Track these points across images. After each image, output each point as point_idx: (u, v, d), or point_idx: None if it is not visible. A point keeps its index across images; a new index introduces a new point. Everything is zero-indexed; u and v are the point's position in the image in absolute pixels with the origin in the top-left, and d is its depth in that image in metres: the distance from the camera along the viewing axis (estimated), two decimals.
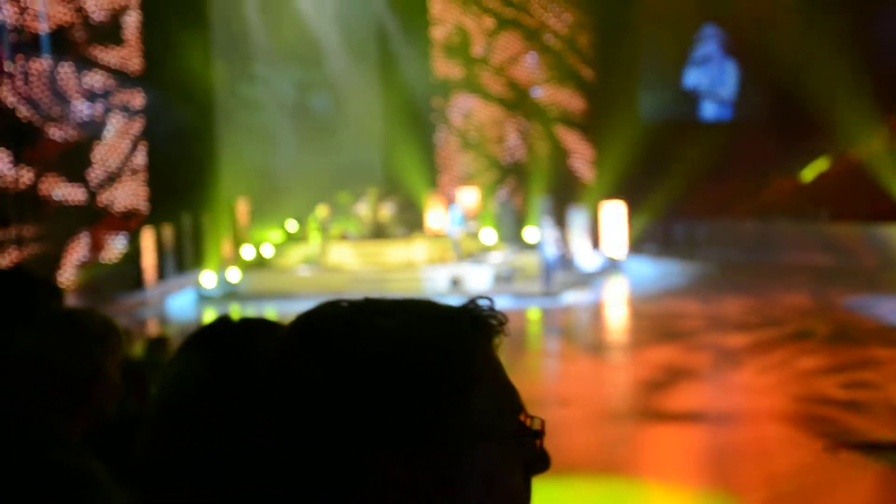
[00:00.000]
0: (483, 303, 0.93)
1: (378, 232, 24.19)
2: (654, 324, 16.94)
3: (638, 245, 28.82)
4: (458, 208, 23.72)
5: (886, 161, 25.98)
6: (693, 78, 33.17)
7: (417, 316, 0.89)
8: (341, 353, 0.86)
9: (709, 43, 32.55)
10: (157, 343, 7.96)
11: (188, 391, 1.22)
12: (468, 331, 0.89)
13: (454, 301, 0.97)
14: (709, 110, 33.25)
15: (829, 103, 26.49)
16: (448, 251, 23.84)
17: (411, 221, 25.26)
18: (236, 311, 17.91)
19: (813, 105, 26.80)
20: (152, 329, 17.87)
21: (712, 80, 32.92)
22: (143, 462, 1.25)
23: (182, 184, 23.91)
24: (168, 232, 23.29)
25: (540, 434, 0.90)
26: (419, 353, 0.86)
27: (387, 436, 0.84)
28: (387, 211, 24.32)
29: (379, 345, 0.86)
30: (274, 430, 0.87)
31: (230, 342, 1.25)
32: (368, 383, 0.85)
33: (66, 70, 22.58)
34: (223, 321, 1.32)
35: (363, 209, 24.54)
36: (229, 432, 1.09)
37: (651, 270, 25.91)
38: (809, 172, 30.59)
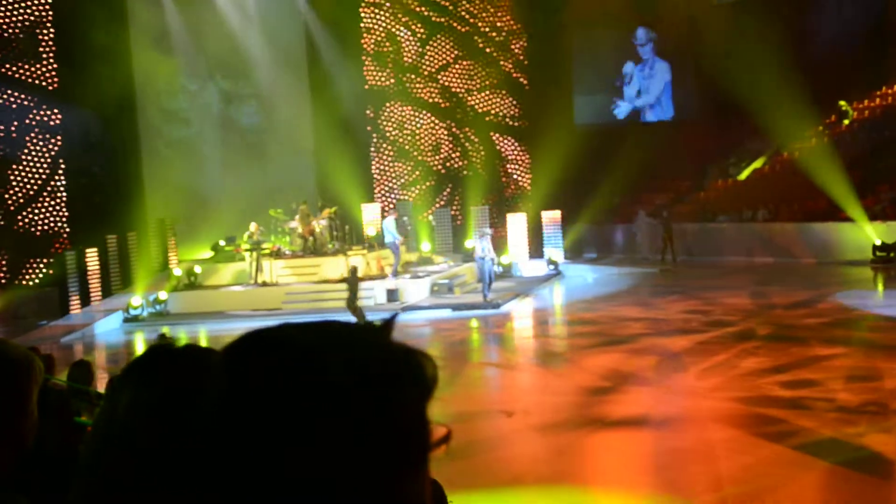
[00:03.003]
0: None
1: (313, 247, 24.02)
2: (595, 330, 17.06)
3: (577, 251, 29.08)
4: (393, 220, 23.62)
5: (820, 160, 26.58)
6: (627, 79, 33.58)
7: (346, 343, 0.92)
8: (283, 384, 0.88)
9: (644, 45, 33.01)
10: (80, 368, 7.67)
11: (138, 423, 1.19)
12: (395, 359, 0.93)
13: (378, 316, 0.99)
14: (648, 113, 33.65)
15: (764, 104, 27.04)
16: (385, 264, 23.76)
17: (346, 235, 25.14)
18: (167, 334, 17.62)
19: (748, 105, 27.34)
20: (78, 355, 17.49)
21: (644, 81, 33.39)
22: (85, 496, 1.21)
23: (106, 204, 23.48)
24: (92, 254, 22.82)
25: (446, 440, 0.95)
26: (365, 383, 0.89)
27: (337, 465, 0.86)
28: (328, 223, 24.18)
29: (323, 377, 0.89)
30: (220, 474, 0.88)
31: (179, 370, 1.22)
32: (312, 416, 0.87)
33: None
34: (165, 348, 1.29)
35: (297, 224, 24.33)
36: (182, 466, 1.07)
37: (591, 276, 26.12)
38: (745, 172, 31.19)
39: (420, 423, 0.91)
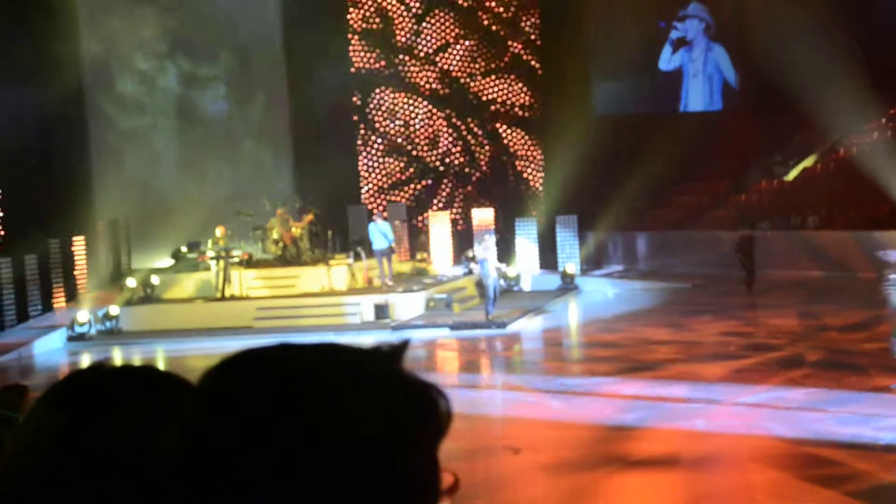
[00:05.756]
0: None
1: (292, 255, 24.01)
2: (616, 354, 17.04)
3: (597, 261, 29.03)
4: (384, 225, 23.61)
5: (883, 158, 26.44)
6: (669, 62, 33.50)
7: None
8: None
9: (690, 25, 32.98)
10: (11, 393, 7.73)
11: (37, 453, 1.19)
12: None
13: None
14: (697, 100, 33.62)
15: (816, 92, 26.93)
16: (373, 275, 23.74)
17: (330, 241, 25.12)
18: (116, 355, 17.54)
19: (797, 94, 27.28)
20: (13, 379, 17.44)
21: (696, 64, 33.35)
22: None
23: (47, 203, 23.47)
24: (31, 261, 22.81)
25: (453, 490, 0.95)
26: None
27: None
28: (301, 229, 24.19)
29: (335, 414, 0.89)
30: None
31: (96, 395, 1.22)
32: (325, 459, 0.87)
33: None
34: (94, 369, 1.29)
35: (274, 228, 24.31)
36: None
37: (613, 291, 26.09)
38: (793, 172, 31.16)
39: (434, 467, 0.93)
